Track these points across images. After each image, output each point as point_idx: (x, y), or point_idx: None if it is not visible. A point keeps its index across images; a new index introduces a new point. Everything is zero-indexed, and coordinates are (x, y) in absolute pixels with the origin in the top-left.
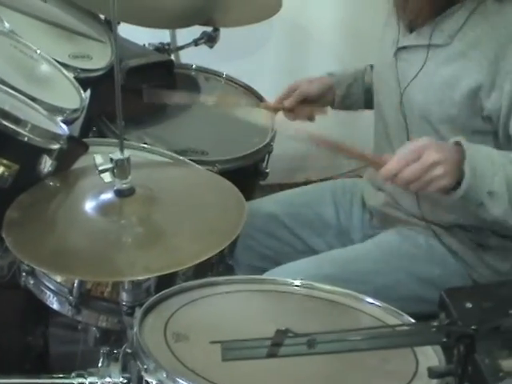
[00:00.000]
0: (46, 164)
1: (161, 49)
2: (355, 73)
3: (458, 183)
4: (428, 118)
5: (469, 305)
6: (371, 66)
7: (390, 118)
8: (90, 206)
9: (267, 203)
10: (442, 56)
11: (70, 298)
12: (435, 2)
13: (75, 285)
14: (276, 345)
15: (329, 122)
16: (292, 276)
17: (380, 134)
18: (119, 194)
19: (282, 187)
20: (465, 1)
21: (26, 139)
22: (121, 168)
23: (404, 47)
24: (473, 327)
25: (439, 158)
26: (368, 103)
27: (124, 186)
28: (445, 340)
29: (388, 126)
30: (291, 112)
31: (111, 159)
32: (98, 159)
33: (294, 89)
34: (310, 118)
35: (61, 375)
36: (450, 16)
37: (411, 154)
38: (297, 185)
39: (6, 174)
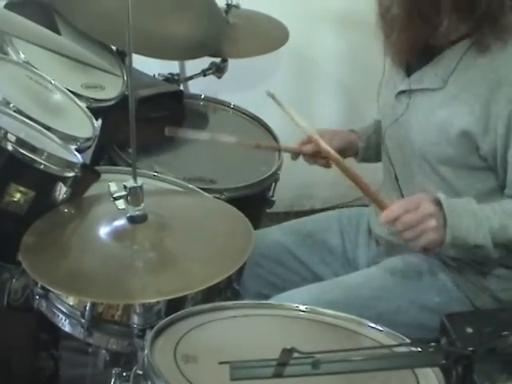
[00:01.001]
0: (61, 191)
1: (170, 79)
2: (374, 124)
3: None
4: (427, 159)
5: (469, 329)
6: None
7: (394, 159)
8: (103, 231)
9: (274, 232)
10: (437, 99)
11: (82, 320)
12: (411, 45)
13: (87, 308)
14: (282, 364)
15: None
16: (296, 302)
17: (387, 175)
18: (132, 220)
19: (287, 215)
20: (455, 45)
21: (42, 167)
22: (134, 195)
23: (403, 91)
24: (470, 348)
25: (434, 210)
26: None
27: (137, 212)
28: (444, 362)
29: (394, 167)
30: (310, 157)
31: (125, 187)
32: (113, 187)
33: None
34: (327, 166)
35: None
36: (443, 60)
37: (411, 203)
38: (302, 213)
39: (23, 200)
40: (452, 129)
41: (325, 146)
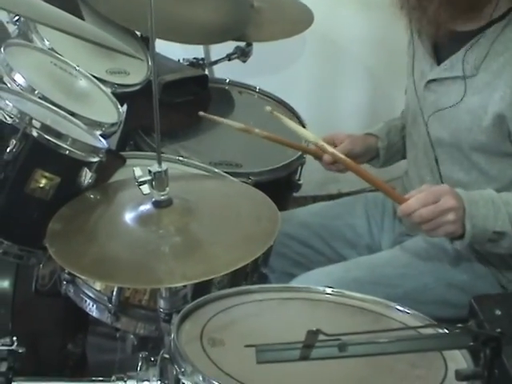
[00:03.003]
0: (86, 176)
1: (195, 64)
2: (388, 122)
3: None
4: (459, 146)
5: (498, 312)
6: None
7: (419, 147)
8: (129, 216)
9: (302, 213)
10: (469, 87)
11: (109, 305)
12: (453, 11)
13: (114, 293)
14: (308, 346)
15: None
16: (320, 280)
17: (412, 162)
18: (157, 205)
19: (314, 199)
20: (486, 31)
21: (67, 153)
22: (159, 180)
23: (433, 80)
24: (498, 330)
25: (454, 204)
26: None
27: (162, 197)
28: (472, 344)
29: (418, 154)
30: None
31: (150, 171)
32: (137, 172)
33: (332, 141)
34: (342, 171)
35: (101, 378)
36: (473, 48)
37: (430, 196)
38: (329, 196)
39: (48, 186)
40: (485, 115)
41: (336, 152)
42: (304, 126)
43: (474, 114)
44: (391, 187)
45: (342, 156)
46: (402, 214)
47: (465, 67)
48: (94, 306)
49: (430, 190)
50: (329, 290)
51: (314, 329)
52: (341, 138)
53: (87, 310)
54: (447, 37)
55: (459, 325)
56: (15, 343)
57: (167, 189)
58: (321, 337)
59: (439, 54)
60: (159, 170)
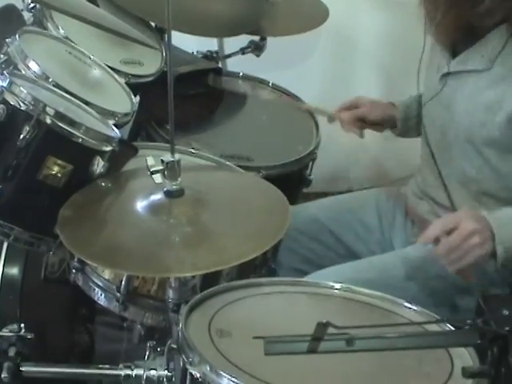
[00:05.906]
0: (99, 165)
1: (209, 57)
2: (412, 97)
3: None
4: (473, 141)
5: (505, 311)
6: None
7: (434, 142)
8: (140, 205)
9: (311, 207)
10: (484, 81)
11: (118, 294)
12: (457, 25)
13: (123, 282)
14: (316, 339)
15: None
16: (330, 279)
17: (426, 158)
18: (169, 194)
19: (324, 195)
20: (502, 26)
21: (80, 141)
22: (171, 170)
23: (448, 73)
24: (506, 328)
25: (476, 227)
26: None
27: (174, 187)
28: (479, 341)
29: (433, 150)
30: (346, 124)
31: (162, 161)
32: (150, 161)
33: (356, 105)
34: (361, 135)
35: (108, 366)
36: (489, 41)
37: (449, 222)
38: (339, 193)
39: (60, 174)
40: (500, 110)
41: None
42: (316, 122)
43: (488, 108)
44: None
45: None
46: (424, 241)
47: (480, 60)
48: (103, 294)
49: (448, 217)
50: (337, 286)
51: (324, 321)
52: (363, 103)
53: (96, 298)
54: (463, 31)
55: (468, 321)
56: (23, 330)
57: (179, 179)
58: (330, 330)
59: (455, 48)
60: (172, 159)
